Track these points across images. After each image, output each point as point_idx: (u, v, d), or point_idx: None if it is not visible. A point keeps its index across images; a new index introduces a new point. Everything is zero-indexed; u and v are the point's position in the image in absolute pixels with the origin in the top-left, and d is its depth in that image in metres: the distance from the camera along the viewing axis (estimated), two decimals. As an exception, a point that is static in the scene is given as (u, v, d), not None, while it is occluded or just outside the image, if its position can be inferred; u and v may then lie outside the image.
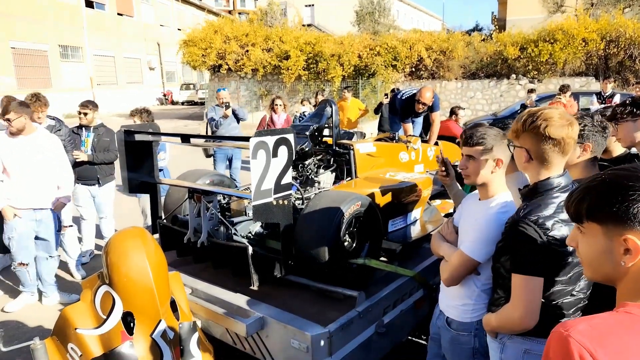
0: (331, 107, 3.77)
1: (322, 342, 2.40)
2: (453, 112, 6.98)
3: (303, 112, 8.70)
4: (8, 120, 3.94)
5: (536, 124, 1.70)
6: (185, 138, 2.92)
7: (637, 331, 0.96)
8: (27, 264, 4.27)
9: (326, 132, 3.85)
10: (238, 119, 6.86)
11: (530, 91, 10.09)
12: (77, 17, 25.22)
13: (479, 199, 2.12)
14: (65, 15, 24.21)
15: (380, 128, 8.90)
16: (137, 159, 3.26)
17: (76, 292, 4.60)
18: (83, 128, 5.28)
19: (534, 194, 1.78)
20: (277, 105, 7.24)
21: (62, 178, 4.35)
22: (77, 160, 5.13)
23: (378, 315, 2.80)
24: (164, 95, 32.80)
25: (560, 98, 8.23)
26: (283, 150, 2.51)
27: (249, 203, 3.28)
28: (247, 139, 2.40)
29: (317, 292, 2.88)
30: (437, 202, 4.40)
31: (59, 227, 4.51)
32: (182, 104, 31.59)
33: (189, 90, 32.08)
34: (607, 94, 8.93)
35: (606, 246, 1.07)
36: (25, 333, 3.99)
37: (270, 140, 2.43)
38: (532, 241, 1.66)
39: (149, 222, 5.37)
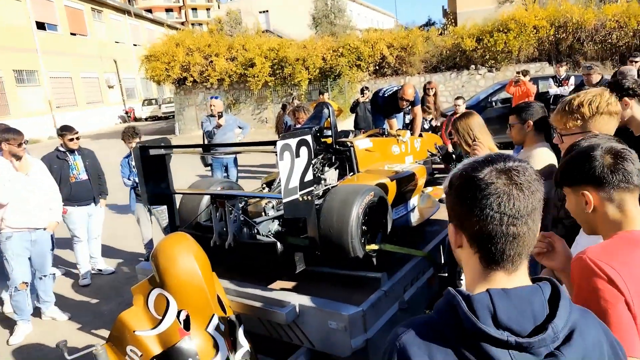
0: (328, 109, 4.02)
1: (358, 321, 2.64)
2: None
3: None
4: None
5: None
6: (206, 148, 3.10)
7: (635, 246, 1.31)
8: (27, 283, 4.37)
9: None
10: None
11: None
12: (29, 40, 24.54)
13: None
14: (16, 39, 23.50)
15: (357, 126, 9.19)
16: (153, 172, 3.41)
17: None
18: (67, 152, 5.31)
19: None
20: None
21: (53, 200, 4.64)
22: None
23: (399, 293, 3.07)
24: (126, 112, 32.22)
25: (519, 76, 9.18)
26: (304, 151, 2.74)
27: (266, 203, 3.49)
28: (272, 143, 2.62)
29: (337, 278, 3.12)
30: (429, 189, 4.73)
31: (52, 247, 4.64)
32: (146, 119, 31.08)
33: (152, 106, 31.62)
34: (562, 77, 9.53)
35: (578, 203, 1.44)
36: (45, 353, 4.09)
37: (293, 142, 2.66)
38: None
39: (145, 231, 5.45)
